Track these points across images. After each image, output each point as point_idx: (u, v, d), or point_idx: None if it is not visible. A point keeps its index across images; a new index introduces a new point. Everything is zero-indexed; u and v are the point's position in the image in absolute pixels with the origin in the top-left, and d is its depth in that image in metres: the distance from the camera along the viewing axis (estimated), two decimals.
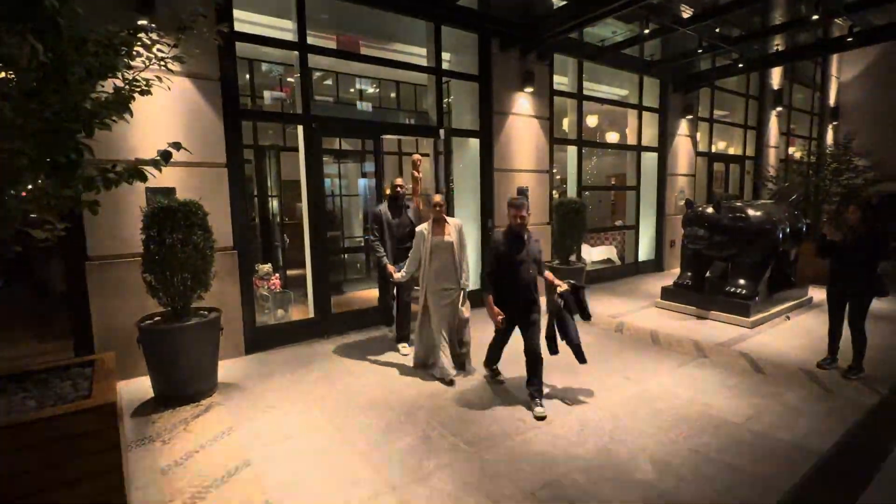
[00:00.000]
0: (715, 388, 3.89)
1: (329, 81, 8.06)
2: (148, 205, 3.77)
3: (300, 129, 5.09)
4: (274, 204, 7.29)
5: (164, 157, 2.19)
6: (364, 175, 8.11)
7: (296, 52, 4.98)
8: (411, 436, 3.16)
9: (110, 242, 4.00)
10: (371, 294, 6.43)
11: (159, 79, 2.42)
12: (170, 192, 4.05)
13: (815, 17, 6.01)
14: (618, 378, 4.09)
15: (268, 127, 8.35)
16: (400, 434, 3.18)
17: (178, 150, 2.29)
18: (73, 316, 3.94)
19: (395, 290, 4.79)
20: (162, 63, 2.34)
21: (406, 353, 4.69)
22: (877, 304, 4.47)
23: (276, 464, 2.85)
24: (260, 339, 4.86)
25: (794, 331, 5.51)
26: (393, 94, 8.67)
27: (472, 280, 5.14)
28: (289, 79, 7.35)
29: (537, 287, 3.63)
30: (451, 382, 3.99)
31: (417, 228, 4.20)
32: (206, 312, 3.89)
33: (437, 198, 4.13)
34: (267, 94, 7.37)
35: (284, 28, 5.47)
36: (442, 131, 6.05)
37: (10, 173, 1.82)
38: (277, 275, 6.12)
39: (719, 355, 4.67)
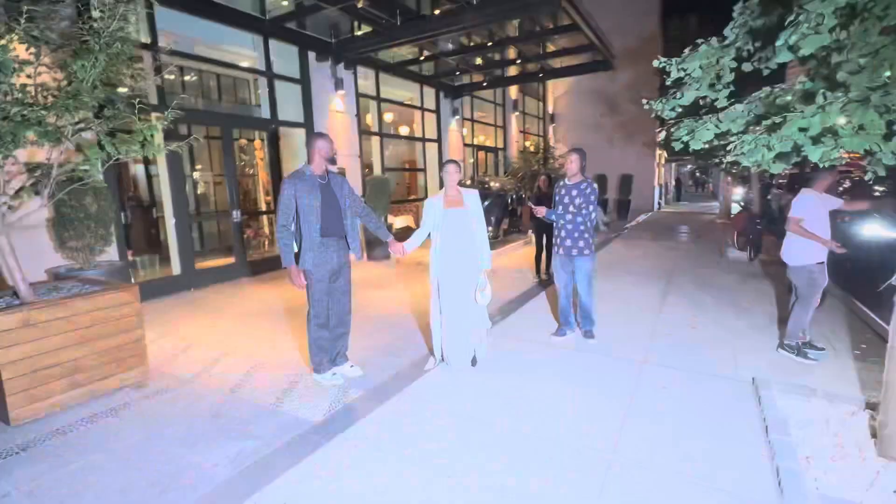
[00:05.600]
0: None
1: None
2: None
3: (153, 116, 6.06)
4: None
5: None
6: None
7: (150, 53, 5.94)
8: (297, 322, 5.04)
9: None
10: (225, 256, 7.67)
11: None
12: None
13: (519, 60, 9.65)
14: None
15: None
16: (287, 322, 5.02)
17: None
18: None
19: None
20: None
21: (337, 378, 3.51)
22: None
23: (209, 341, 4.43)
24: None
25: (520, 256, 9.04)
26: (213, 83, 9.52)
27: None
28: None
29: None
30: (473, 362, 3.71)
31: (428, 200, 3.70)
32: (109, 262, 4.89)
33: (451, 166, 3.61)
34: None
35: None
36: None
37: None
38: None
39: None
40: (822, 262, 3.79)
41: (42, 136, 2.74)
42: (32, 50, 3.03)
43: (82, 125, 3.21)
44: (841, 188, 8.84)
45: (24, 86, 3.03)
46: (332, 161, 3.33)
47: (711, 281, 6.69)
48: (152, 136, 3.55)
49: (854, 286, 5.48)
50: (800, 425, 2.79)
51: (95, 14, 3.17)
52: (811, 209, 3.75)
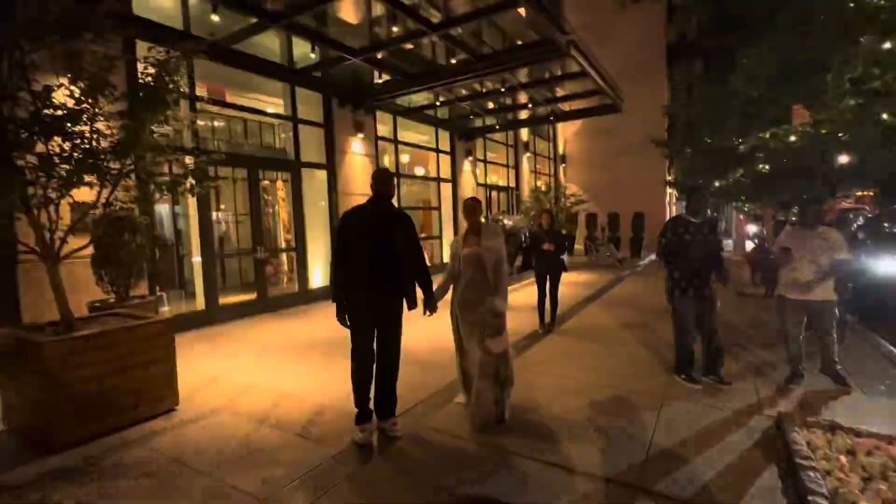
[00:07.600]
0: None
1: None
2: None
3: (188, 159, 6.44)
4: None
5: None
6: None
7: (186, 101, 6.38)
8: (320, 355, 5.13)
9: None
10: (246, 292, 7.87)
11: None
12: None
13: (529, 104, 10.09)
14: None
15: None
16: (310, 356, 5.12)
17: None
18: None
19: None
20: None
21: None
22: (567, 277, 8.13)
23: (234, 373, 4.54)
24: None
25: (530, 294, 9.09)
26: (240, 128, 10.06)
27: None
28: None
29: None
30: (500, 420, 3.32)
31: (453, 239, 3.60)
32: (142, 297, 5.09)
33: (468, 200, 3.50)
34: None
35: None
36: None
37: None
38: None
39: None
40: (783, 297, 4.05)
41: (101, 178, 3.00)
42: (90, 100, 3.36)
43: (132, 167, 3.48)
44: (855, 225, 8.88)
45: (81, 132, 3.34)
46: (380, 198, 3.06)
47: (728, 317, 6.66)
48: (188, 177, 3.83)
49: (876, 321, 5.44)
50: (826, 460, 2.77)
51: (149, 69, 3.52)
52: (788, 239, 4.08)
